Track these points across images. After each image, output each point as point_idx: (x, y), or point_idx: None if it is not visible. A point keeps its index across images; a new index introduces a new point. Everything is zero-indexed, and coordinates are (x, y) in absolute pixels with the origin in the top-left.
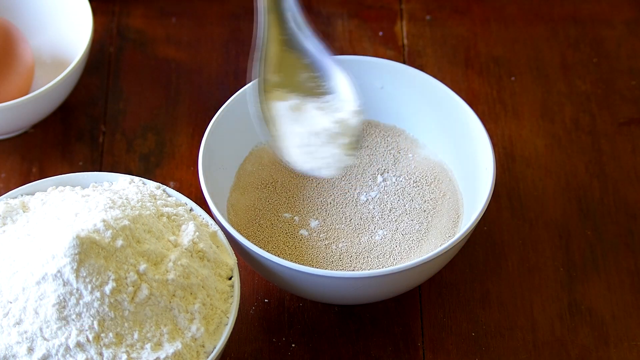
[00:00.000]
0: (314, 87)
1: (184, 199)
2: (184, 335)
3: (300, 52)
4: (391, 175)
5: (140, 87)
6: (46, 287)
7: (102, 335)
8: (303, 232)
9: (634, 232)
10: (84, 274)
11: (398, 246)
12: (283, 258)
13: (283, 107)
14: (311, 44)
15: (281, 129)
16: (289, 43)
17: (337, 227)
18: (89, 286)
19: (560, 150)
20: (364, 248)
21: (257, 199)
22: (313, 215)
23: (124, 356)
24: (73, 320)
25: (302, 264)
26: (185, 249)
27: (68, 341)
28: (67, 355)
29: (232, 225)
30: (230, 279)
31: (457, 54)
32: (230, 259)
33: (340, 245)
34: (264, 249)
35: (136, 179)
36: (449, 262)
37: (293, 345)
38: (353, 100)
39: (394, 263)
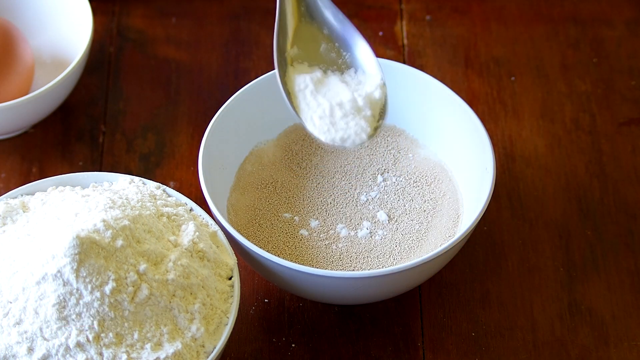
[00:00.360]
0: (335, 58)
1: (184, 199)
2: (184, 335)
3: (319, 22)
4: (391, 175)
5: (140, 87)
6: (46, 287)
7: (102, 335)
8: (303, 232)
9: (634, 232)
10: (84, 274)
11: (398, 246)
12: (283, 258)
13: (306, 79)
14: (330, 13)
15: (304, 101)
16: (308, 14)
17: (337, 227)
18: (89, 286)
19: (560, 150)
20: (364, 248)
21: (257, 199)
22: (313, 215)
23: (124, 356)
24: (73, 320)
25: (302, 264)
26: (185, 249)
27: (68, 341)
28: (67, 355)
29: (232, 225)
30: (230, 279)
31: (457, 54)
32: (230, 259)
33: (340, 245)
34: (264, 249)
35: (136, 179)
36: (449, 262)
37: (293, 345)
38: (376, 73)
39: (394, 263)
